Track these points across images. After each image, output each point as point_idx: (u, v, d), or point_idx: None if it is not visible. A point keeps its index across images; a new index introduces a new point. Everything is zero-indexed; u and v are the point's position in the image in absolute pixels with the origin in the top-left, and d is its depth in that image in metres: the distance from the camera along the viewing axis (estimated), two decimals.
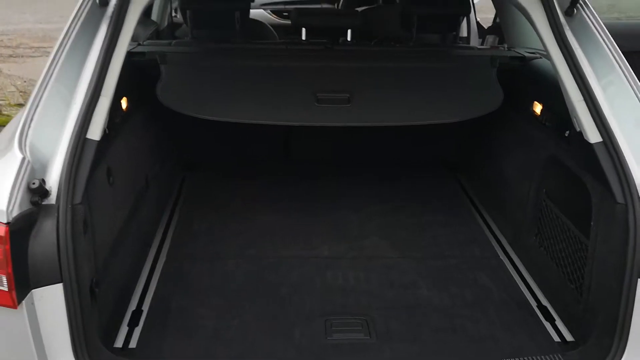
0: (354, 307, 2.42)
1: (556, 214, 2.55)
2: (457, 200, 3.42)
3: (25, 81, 7.94)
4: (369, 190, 3.45)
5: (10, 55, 9.71)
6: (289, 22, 4.77)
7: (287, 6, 6.10)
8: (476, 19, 4.93)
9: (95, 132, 2.00)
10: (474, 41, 4.73)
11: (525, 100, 2.94)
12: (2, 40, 10.62)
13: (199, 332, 2.24)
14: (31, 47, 10.15)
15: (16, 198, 1.71)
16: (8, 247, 1.69)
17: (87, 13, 2.14)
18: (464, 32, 4.88)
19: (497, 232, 3.06)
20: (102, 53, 2.06)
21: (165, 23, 4.64)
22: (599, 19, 2.34)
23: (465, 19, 4.82)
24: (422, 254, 2.83)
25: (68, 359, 1.84)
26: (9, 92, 7.48)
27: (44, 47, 9.87)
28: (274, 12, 6.17)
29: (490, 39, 4.38)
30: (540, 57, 3.04)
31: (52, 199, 1.82)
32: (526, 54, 3.15)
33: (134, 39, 3.24)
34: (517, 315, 2.40)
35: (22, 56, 9.66)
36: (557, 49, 2.25)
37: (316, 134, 3.45)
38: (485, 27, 4.81)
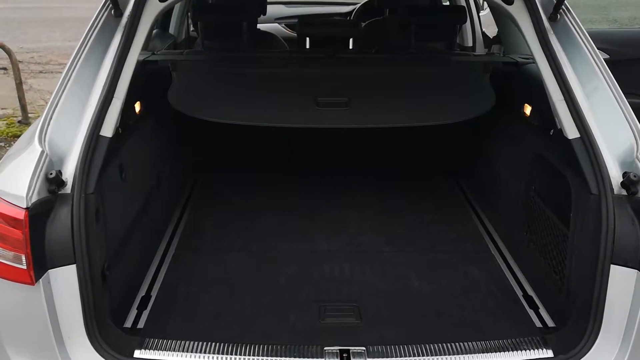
0: (347, 295, 2.57)
1: (543, 209, 2.67)
2: (454, 200, 3.55)
3: None
4: (368, 192, 3.61)
5: (40, 72, 10.13)
6: None
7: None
8: (482, 29, 5.08)
9: (108, 130, 2.19)
10: (480, 50, 4.87)
11: (517, 103, 3.07)
12: (32, 57, 11.07)
13: (202, 316, 2.42)
14: (60, 64, 10.53)
15: (35, 186, 1.90)
16: (27, 229, 1.88)
17: (103, 23, 2.33)
18: (469, 42, 5.04)
19: (491, 229, 3.19)
20: (116, 58, 2.24)
21: (183, 37, 4.89)
22: (580, 24, 2.48)
23: (471, 29, 4.99)
24: (416, 248, 2.97)
25: (80, 334, 2.01)
26: (39, 105, 7.81)
27: None
28: (288, 26, 6.39)
29: (496, 48, 4.53)
30: (533, 62, 3.18)
31: (68, 189, 2.01)
32: (519, 59, 3.28)
33: (151, 49, 3.48)
34: (503, 304, 2.52)
35: (52, 72, 10.05)
36: (540, 52, 2.38)
37: (318, 139, 3.63)
38: (491, 37, 4.96)
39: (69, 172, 2.03)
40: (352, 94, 3.09)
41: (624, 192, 2.07)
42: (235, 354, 2.01)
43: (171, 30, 4.67)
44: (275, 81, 3.18)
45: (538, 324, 2.40)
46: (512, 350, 2.06)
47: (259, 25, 4.00)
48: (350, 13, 6.20)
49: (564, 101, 2.29)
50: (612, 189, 2.07)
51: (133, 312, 2.44)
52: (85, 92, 2.21)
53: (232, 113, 3.12)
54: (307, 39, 3.57)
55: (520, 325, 2.37)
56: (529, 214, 2.81)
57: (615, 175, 2.09)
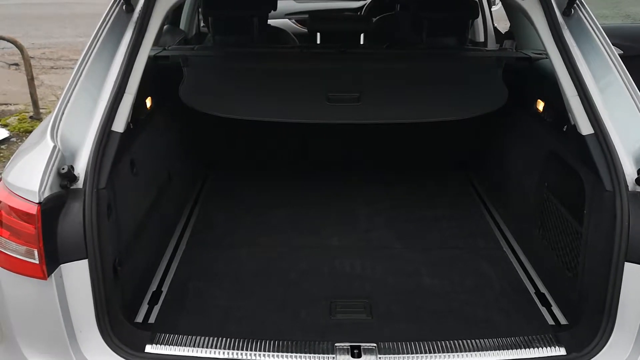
0: (358, 291, 2.57)
1: (556, 206, 2.64)
2: (465, 196, 3.54)
3: None
4: (379, 187, 3.60)
5: (52, 67, 10.17)
6: None
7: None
8: (493, 25, 5.04)
9: (119, 125, 2.20)
10: (491, 45, 4.84)
11: (529, 99, 3.04)
12: (44, 53, 11.12)
13: (213, 312, 2.42)
14: (71, 60, 10.57)
15: (47, 181, 1.91)
16: (39, 224, 1.89)
17: (115, 18, 2.33)
18: (481, 37, 5.01)
19: (503, 226, 3.17)
20: (127, 54, 2.25)
21: (193, 32, 4.90)
22: (594, 19, 2.45)
23: (483, 25, 4.96)
24: (427, 245, 2.96)
25: (92, 329, 2.02)
26: (50, 101, 7.85)
27: None
28: (298, 21, 6.40)
29: (508, 43, 4.50)
30: (546, 58, 3.15)
31: (80, 184, 2.01)
32: (532, 55, 3.25)
33: (162, 45, 3.49)
34: (515, 301, 2.50)
35: (63, 68, 10.10)
36: (554, 47, 2.35)
37: (329, 134, 3.62)
38: (503, 32, 4.93)
39: (81, 167, 2.04)
40: (363, 89, 3.08)
41: (639, 189, 2.04)
42: (246, 350, 2.02)
43: (182, 25, 4.68)
44: (285, 77, 3.17)
45: (550, 322, 2.38)
46: (524, 348, 2.04)
47: (269, 21, 4.00)
48: (361, 8, 6.18)
49: (578, 97, 2.26)
50: (626, 186, 2.05)
51: (144, 307, 2.45)
52: (97, 87, 2.21)
53: (242, 108, 3.12)
54: (318, 34, 3.57)
55: (533, 323, 2.35)
56: (541, 210, 2.78)
57: (629, 171, 2.07)
